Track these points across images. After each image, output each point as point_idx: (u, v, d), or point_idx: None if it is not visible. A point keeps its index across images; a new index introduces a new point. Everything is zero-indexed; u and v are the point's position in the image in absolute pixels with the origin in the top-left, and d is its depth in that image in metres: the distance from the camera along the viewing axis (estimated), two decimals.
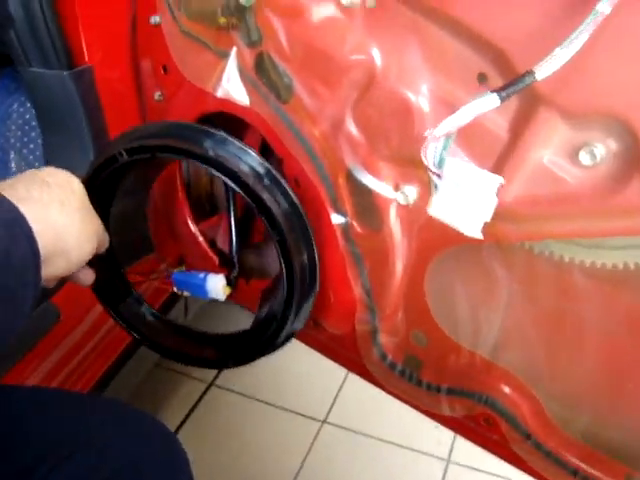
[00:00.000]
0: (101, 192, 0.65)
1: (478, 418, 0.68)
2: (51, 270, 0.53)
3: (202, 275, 0.73)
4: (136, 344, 1.00)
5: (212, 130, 0.63)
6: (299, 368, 1.45)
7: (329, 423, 1.38)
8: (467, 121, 0.41)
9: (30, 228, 0.49)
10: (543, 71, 0.42)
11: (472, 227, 0.41)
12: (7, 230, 0.47)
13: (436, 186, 0.43)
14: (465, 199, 0.41)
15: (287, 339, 0.71)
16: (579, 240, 0.55)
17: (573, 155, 0.49)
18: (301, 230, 0.63)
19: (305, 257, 0.64)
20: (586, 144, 0.48)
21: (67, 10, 0.82)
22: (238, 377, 1.46)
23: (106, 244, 0.64)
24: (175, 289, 0.76)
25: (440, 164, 0.42)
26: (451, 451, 1.31)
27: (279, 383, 1.45)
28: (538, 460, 0.65)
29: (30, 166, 1.03)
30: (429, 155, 0.42)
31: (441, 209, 0.42)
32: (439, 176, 0.42)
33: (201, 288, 0.72)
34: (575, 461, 0.63)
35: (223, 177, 0.60)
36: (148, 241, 0.81)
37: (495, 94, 0.41)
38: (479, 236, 0.42)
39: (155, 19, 0.72)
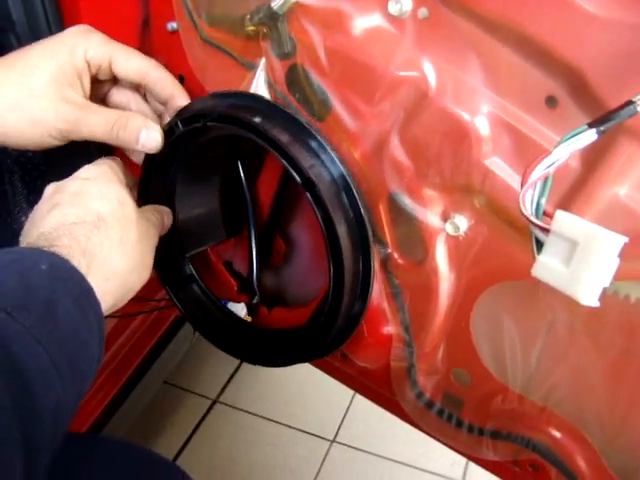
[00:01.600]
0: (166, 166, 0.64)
1: (524, 463, 0.63)
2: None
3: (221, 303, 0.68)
4: (147, 363, 0.97)
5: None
6: (308, 385, 1.40)
7: (338, 442, 1.33)
8: (563, 160, 0.36)
9: (98, 302, 0.48)
10: None
11: (589, 294, 0.36)
12: (76, 305, 0.46)
13: (538, 241, 0.37)
14: (581, 263, 0.35)
15: (338, 340, 0.65)
16: None
17: None
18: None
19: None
20: None
21: (71, 14, 0.76)
22: (243, 393, 1.41)
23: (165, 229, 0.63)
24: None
25: (538, 214, 0.36)
26: (465, 472, 1.27)
27: (286, 400, 1.40)
28: None
29: (33, 179, 0.96)
30: (527, 204, 0.36)
31: (549, 272, 0.37)
32: (546, 231, 0.36)
33: None
34: None
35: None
36: (218, 228, 0.75)
37: (593, 129, 0.35)
38: (594, 304, 0.37)
39: (172, 25, 0.66)
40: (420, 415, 0.67)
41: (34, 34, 0.77)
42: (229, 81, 0.62)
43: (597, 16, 0.42)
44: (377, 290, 0.62)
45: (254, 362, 0.71)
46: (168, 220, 0.65)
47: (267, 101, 0.59)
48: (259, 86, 0.60)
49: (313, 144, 0.57)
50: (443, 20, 0.50)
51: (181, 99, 0.64)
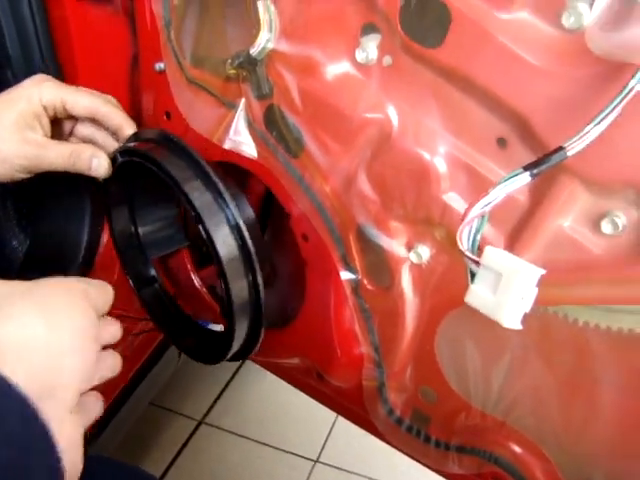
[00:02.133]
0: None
1: (487, 476, 0.66)
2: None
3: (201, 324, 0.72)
4: (133, 384, 0.99)
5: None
6: (290, 405, 1.43)
7: (322, 462, 1.36)
8: (499, 200, 0.40)
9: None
10: (574, 148, 0.41)
11: (511, 319, 0.40)
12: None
13: (472, 273, 0.42)
14: (504, 292, 0.40)
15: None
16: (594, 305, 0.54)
17: (594, 224, 0.49)
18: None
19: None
20: (608, 213, 0.48)
21: (64, 50, 0.80)
22: (229, 414, 1.44)
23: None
24: None
25: (474, 248, 0.41)
26: None
27: (270, 421, 1.43)
28: None
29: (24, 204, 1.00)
30: (464, 240, 0.41)
31: (479, 299, 0.41)
32: (477, 263, 0.41)
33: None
34: None
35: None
36: (179, 235, 0.83)
37: (527, 172, 0.40)
38: (518, 327, 0.41)
39: (160, 66, 0.71)
40: (391, 431, 0.71)
41: (29, 69, 0.81)
42: (211, 119, 0.67)
43: (539, 68, 0.47)
44: (349, 313, 0.66)
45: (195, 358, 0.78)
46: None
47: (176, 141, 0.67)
48: (239, 124, 0.64)
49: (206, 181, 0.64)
50: (406, 68, 0.54)
51: (128, 129, 0.72)
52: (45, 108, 0.69)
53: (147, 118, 0.79)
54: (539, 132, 0.48)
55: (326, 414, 1.46)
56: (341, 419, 1.46)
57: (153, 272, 0.81)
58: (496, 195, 0.40)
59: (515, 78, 0.48)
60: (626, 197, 0.47)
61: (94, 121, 0.74)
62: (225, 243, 0.62)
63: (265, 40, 0.58)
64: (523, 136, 0.50)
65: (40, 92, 0.69)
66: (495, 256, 0.41)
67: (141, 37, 0.72)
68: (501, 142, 0.51)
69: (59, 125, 0.73)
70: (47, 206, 0.93)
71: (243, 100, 0.64)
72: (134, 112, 0.85)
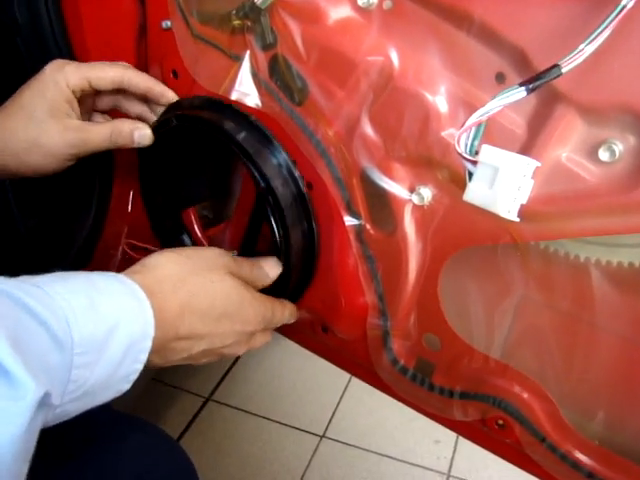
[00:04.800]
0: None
1: (491, 422, 0.67)
2: None
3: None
4: None
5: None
6: (297, 383, 1.44)
7: (328, 438, 1.37)
8: (495, 111, 0.42)
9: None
10: (568, 65, 0.43)
11: (509, 210, 0.42)
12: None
13: (470, 173, 0.43)
14: (501, 184, 0.41)
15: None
16: (594, 239, 0.55)
17: (591, 152, 0.50)
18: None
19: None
20: (605, 141, 0.49)
21: (72, 15, 0.82)
22: (236, 391, 1.45)
23: None
24: None
25: (471, 152, 0.42)
26: (451, 465, 1.30)
27: (277, 398, 1.44)
28: (552, 464, 0.64)
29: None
30: (462, 144, 0.42)
31: (477, 195, 0.43)
32: (474, 163, 0.42)
33: None
34: (591, 464, 0.62)
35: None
36: (204, 190, 0.87)
37: (523, 87, 0.41)
38: (514, 219, 0.42)
39: (166, 24, 0.72)
40: (395, 381, 0.72)
41: (38, 36, 0.83)
42: (217, 72, 0.68)
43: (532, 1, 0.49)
44: (352, 261, 0.67)
45: None
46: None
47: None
48: (244, 75, 0.66)
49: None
50: (405, 10, 0.55)
51: (157, 88, 0.72)
52: (74, 92, 0.70)
53: None
54: (536, 64, 0.49)
55: (333, 389, 1.49)
56: (347, 397, 1.48)
57: (181, 223, 0.83)
58: (492, 106, 0.41)
59: (511, 10, 0.50)
60: (622, 123, 0.48)
61: (117, 91, 0.74)
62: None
63: None
64: (521, 70, 0.51)
65: (65, 77, 0.69)
66: (491, 152, 0.42)
67: None
68: (499, 77, 0.52)
69: (82, 104, 0.73)
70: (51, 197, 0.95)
71: (248, 52, 0.65)
72: None
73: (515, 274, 0.60)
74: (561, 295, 0.59)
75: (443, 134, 0.56)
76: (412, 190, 0.60)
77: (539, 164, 0.42)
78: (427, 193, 0.59)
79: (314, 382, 1.42)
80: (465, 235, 0.59)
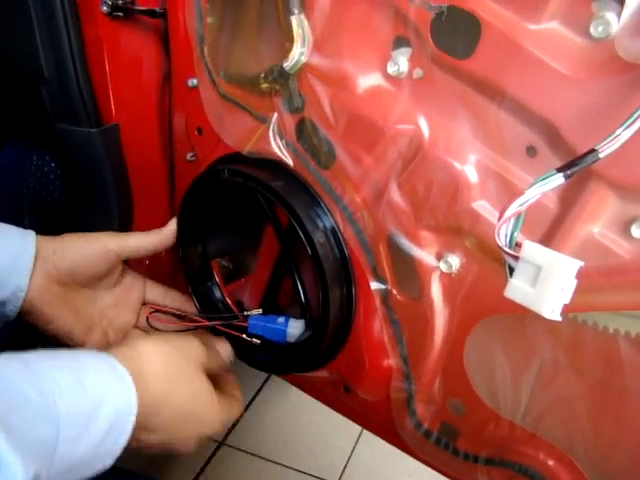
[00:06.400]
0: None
1: None
2: None
3: (282, 319, 0.75)
4: None
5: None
6: (311, 428, 1.42)
7: None
8: (534, 200, 0.41)
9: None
10: (605, 150, 0.42)
11: (551, 309, 0.41)
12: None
13: (510, 268, 0.43)
14: (544, 284, 0.41)
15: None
16: (624, 311, 0.54)
17: (624, 229, 0.49)
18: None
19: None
20: (638, 218, 0.48)
21: (98, 72, 0.83)
22: (249, 436, 1.44)
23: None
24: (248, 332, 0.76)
25: (511, 245, 0.42)
26: None
27: (291, 442, 1.43)
28: None
29: (46, 219, 1.02)
30: (502, 237, 0.42)
31: (518, 292, 0.42)
32: (515, 258, 0.42)
33: (282, 332, 0.74)
34: None
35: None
36: (237, 242, 0.88)
37: (561, 173, 0.41)
38: (558, 319, 0.42)
39: (192, 82, 0.73)
40: (419, 444, 0.70)
41: (63, 88, 0.84)
42: (244, 132, 0.68)
43: (568, 77, 0.48)
44: (378, 325, 0.67)
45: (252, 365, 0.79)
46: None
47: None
48: (271, 137, 0.66)
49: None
50: (436, 79, 0.55)
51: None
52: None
53: (178, 135, 0.81)
54: (568, 139, 0.49)
55: (348, 437, 1.47)
56: (362, 442, 1.46)
57: (210, 272, 0.83)
58: (531, 195, 0.41)
59: (545, 87, 0.49)
60: None
61: None
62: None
63: (299, 54, 0.60)
64: (552, 144, 0.51)
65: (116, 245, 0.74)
66: (534, 249, 0.41)
67: (174, 53, 0.74)
68: (530, 150, 0.52)
69: None
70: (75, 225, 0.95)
71: (275, 114, 0.65)
72: (162, 131, 0.88)
73: (542, 342, 0.59)
74: (589, 365, 0.58)
75: (473, 205, 0.55)
76: (439, 257, 0.60)
77: (582, 264, 0.41)
78: (455, 261, 0.59)
79: (328, 427, 1.40)
80: (493, 303, 0.58)
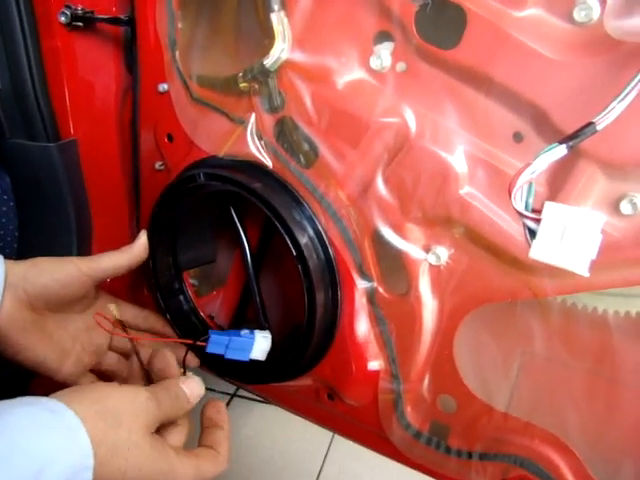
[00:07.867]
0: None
1: None
2: None
3: (249, 333, 0.71)
4: None
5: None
6: (275, 454, 1.39)
7: None
8: (542, 169, 0.42)
9: None
10: (602, 123, 0.44)
11: (579, 265, 0.42)
12: None
13: (532, 231, 0.43)
14: (571, 240, 0.41)
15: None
16: (611, 290, 0.56)
17: (614, 206, 0.50)
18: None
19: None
20: (626, 194, 0.50)
21: (55, 80, 0.80)
22: None
23: None
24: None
25: (528, 209, 0.43)
26: None
27: (256, 470, 1.38)
28: None
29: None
30: (518, 203, 0.42)
31: (544, 252, 0.42)
32: (537, 221, 0.42)
33: (248, 347, 0.70)
34: None
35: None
36: (210, 253, 0.86)
37: (563, 145, 0.42)
38: (586, 274, 0.42)
39: (163, 87, 0.71)
40: (409, 447, 0.69)
41: (19, 102, 0.81)
42: (219, 135, 0.67)
43: (555, 61, 0.50)
44: (364, 325, 0.66)
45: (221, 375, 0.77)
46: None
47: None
48: (249, 138, 0.65)
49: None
50: (420, 72, 0.56)
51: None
52: None
53: (145, 145, 0.78)
54: (558, 122, 0.50)
55: (313, 458, 1.43)
56: (327, 468, 1.43)
57: (180, 284, 0.81)
58: (539, 164, 0.42)
59: (532, 72, 0.51)
60: None
61: None
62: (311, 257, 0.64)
63: (280, 50, 0.59)
64: (538, 129, 0.52)
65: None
66: (557, 208, 0.42)
67: (143, 59, 0.72)
68: (517, 136, 0.53)
69: None
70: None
71: (253, 115, 0.64)
72: (122, 144, 0.85)
73: (533, 329, 0.60)
74: (581, 348, 0.59)
75: (461, 192, 0.56)
76: (427, 250, 0.60)
77: (606, 218, 0.42)
78: (443, 252, 0.59)
79: (293, 451, 1.36)
80: (483, 292, 0.59)
